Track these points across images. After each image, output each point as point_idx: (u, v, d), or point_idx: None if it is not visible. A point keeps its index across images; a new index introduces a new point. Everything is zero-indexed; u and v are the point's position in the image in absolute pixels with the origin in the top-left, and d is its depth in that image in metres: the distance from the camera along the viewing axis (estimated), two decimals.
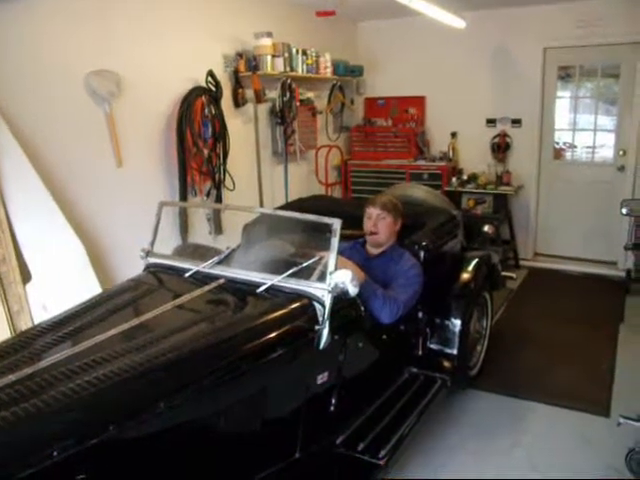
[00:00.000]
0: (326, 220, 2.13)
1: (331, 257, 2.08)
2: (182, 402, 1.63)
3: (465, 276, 3.08)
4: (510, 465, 2.66)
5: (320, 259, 2.18)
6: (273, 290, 2.12)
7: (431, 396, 2.60)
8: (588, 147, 5.56)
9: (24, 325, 2.82)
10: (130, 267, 2.79)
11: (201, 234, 4.08)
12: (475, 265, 3.15)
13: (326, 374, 2.13)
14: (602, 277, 5.36)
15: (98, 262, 3.21)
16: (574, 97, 5.52)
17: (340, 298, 2.08)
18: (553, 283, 5.33)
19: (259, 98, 4.37)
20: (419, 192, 4.11)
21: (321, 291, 2.06)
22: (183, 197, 3.79)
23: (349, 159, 5.96)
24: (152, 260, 2.52)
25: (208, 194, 3.97)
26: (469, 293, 3.02)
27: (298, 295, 2.10)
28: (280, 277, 2.12)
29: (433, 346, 2.91)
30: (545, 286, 5.24)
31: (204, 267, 2.31)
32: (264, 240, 2.87)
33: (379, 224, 2.73)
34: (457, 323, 2.89)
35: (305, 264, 2.16)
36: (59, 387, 1.52)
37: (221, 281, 2.23)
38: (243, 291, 2.18)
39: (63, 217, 2.95)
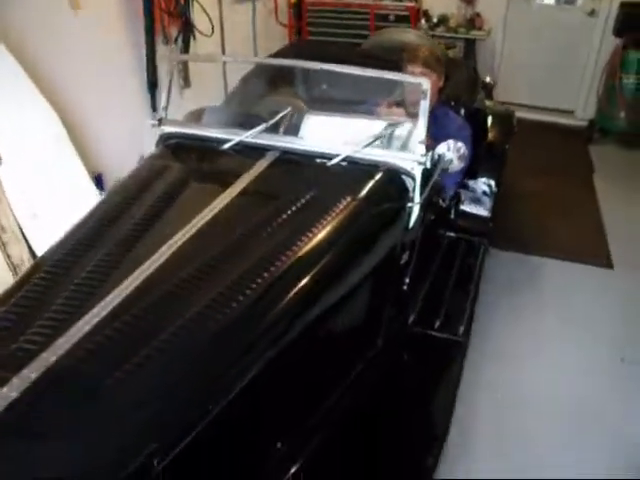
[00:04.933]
0: (411, 79, 1.77)
1: (421, 123, 1.76)
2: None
3: (496, 135, 2.87)
4: (542, 320, 2.72)
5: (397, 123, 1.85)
6: (347, 162, 1.80)
7: (480, 264, 2.49)
8: None
9: (4, 219, 2.30)
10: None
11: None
12: (505, 122, 2.94)
13: (407, 254, 1.91)
14: (562, 126, 5.39)
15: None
16: None
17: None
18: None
19: None
20: (411, 37, 3.69)
21: (411, 163, 1.77)
22: (150, 45, 3.13)
23: None
24: (168, 130, 2.05)
25: (176, 40, 3.31)
26: (502, 152, 2.84)
27: (377, 167, 1.79)
28: (362, 145, 1.77)
29: (466, 209, 2.76)
30: None
31: (249, 136, 1.89)
32: (269, 94, 2.44)
33: None
34: (491, 183, 2.74)
35: (387, 130, 1.82)
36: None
37: (276, 154, 1.85)
38: (310, 166, 1.82)
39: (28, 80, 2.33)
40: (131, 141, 2.97)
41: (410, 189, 1.78)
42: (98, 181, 2.80)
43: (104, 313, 1.22)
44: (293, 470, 1.42)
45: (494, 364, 2.37)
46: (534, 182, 4.16)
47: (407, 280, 2.00)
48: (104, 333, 1.18)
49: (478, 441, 2.08)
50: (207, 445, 1.16)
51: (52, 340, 1.15)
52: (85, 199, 2.51)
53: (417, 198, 1.79)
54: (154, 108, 3.21)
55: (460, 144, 1.81)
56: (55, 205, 2.46)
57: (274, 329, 1.34)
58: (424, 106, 1.76)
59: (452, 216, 2.72)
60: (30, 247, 2.47)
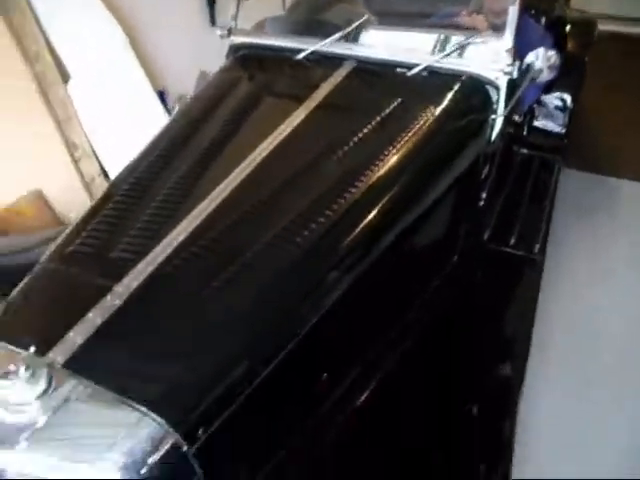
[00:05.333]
0: None
1: (508, 30, 1.65)
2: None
3: (575, 46, 2.68)
4: (616, 244, 2.64)
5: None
6: (428, 73, 1.71)
7: (554, 182, 2.40)
8: None
9: (75, 136, 2.33)
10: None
11: None
12: (585, 32, 2.74)
13: (487, 168, 1.85)
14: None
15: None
16: None
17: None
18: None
19: None
20: None
21: (496, 72, 1.68)
22: None
23: None
24: (238, 40, 1.99)
25: None
26: (581, 65, 2.66)
27: (459, 77, 1.70)
28: (444, 54, 1.69)
29: (539, 124, 2.63)
30: None
31: (326, 44, 1.81)
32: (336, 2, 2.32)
33: None
34: (566, 98, 2.59)
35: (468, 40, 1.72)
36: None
37: (353, 63, 1.78)
38: (389, 76, 1.75)
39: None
40: (191, 57, 2.92)
41: (494, 100, 1.70)
42: (161, 97, 2.78)
43: (190, 229, 1.23)
44: (373, 385, 1.45)
45: (565, 284, 2.34)
46: (612, 98, 3.92)
47: (484, 195, 1.96)
48: (194, 247, 1.20)
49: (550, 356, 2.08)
50: (293, 368, 1.17)
51: (148, 250, 1.18)
52: (151, 114, 2.52)
53: (501, 110, 1.71)
54: (213, 22, 3.12)
55: (551, 52, 1.70)
56: (123, 120, 2.47)
57: (356, 248, 1.34)
58: (513, 12, 1.64)
59: (525, 132, 2.61)
60: (100, 164, 2.52)
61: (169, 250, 1.17)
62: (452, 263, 1.86)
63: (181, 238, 1.20)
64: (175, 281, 1.16)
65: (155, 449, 0.90)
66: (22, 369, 0.91)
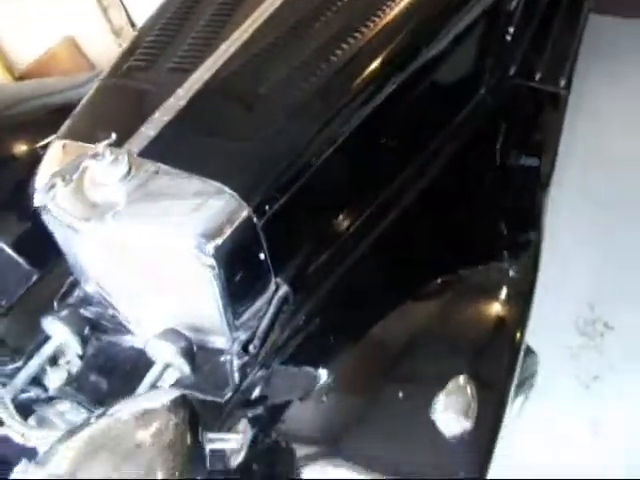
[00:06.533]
0: None
1: None
2: None
3: None
4: None
5: None
6: None
7: (583, 20, 2.36)
8: None
9: None
10: None
11: None
12: None
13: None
14: None
15: None
16: None
17: None
18: None
19: None
20: None
21: None
22: None
23: None
24: None
25: None
26: None
27: None
28: None
29: None
30: None
31: None
32: None
33: None
34: None
35: None
36: None
37: None
38: None
39: None
40: None
41: None
42: None
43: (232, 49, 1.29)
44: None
45: (588, 121, 2.40)
46: None
47: (512, 30, 1.97)
48: (243, 59, 1.28)
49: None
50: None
51: (200, 61, 1.26)
52: None
53: None
54: None
55: None
56: None
57: (379, 76, 1.38)
58: None
59: None
60: (128, 14, 2.53)
61: (222, 60, 1.26)
62: (477, 98, 1.93)
63: (232, 50, 1.28)
64: (233, 84, 1.25)
65: (230, 220, 1.04)
66: (107, 152, 1.04)
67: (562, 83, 2.06)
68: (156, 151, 1.09)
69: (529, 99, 2.05)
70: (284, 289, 1.26)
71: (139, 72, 1.31)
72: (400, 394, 1.04)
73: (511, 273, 1.25)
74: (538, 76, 2.08)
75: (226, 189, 1.05)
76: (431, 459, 1.00)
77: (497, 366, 1.10)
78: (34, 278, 1.52)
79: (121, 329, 1.35)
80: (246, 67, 1.26)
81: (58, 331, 1.25)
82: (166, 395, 0.94)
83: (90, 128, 1.22)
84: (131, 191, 1.07)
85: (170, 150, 1.11)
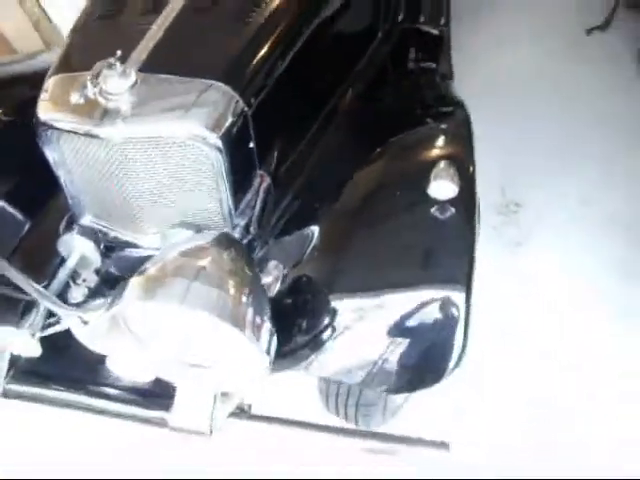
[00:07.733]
0: None
1: None
2: None
3: None
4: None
5: None
6: None
7: None
8: None
9: None
10: None
11: None
12: None
13: None
14: None
15: None
16: None
17: None
18: None
19: None
20: None
21: None
22: None
23: None
24: None
25: None
26: None
27: None
28: None
29: None
30: None
31: None
32: None
33: None
34: None
35: None
36: None
37: None
38: None
39: None
40: None
41: None
42: None
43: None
44: None
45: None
46: None
47: None
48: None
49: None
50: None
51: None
52: None
53: None
54: None
55: None
56: None
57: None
58: None
59: None
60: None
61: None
62: (377, 40, 2.31)
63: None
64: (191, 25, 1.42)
65: (228, 110, 1.26)
66: (117, 64, 1.22)
67: (442, 21, 2.49)
68: (153, 65, 1.27)
69: (418, 41, 2.46)
70: (267, 180, 1.52)
71: (111, 18, 1.50)
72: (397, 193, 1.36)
73: (445, 126, 1.61)
74: (422, 19, 2.49)
75: (221, 84, 1.28)
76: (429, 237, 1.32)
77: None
78: (26, 228, 1.65)
79: (127, 245, 1.53)
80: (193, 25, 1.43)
81: (79, 244, 1.41)
82: (209, 235, 1.17)
83: (85, 58, 1.32)
84: (136, 99, 1.24)
85: (164, 63, 1.29)
